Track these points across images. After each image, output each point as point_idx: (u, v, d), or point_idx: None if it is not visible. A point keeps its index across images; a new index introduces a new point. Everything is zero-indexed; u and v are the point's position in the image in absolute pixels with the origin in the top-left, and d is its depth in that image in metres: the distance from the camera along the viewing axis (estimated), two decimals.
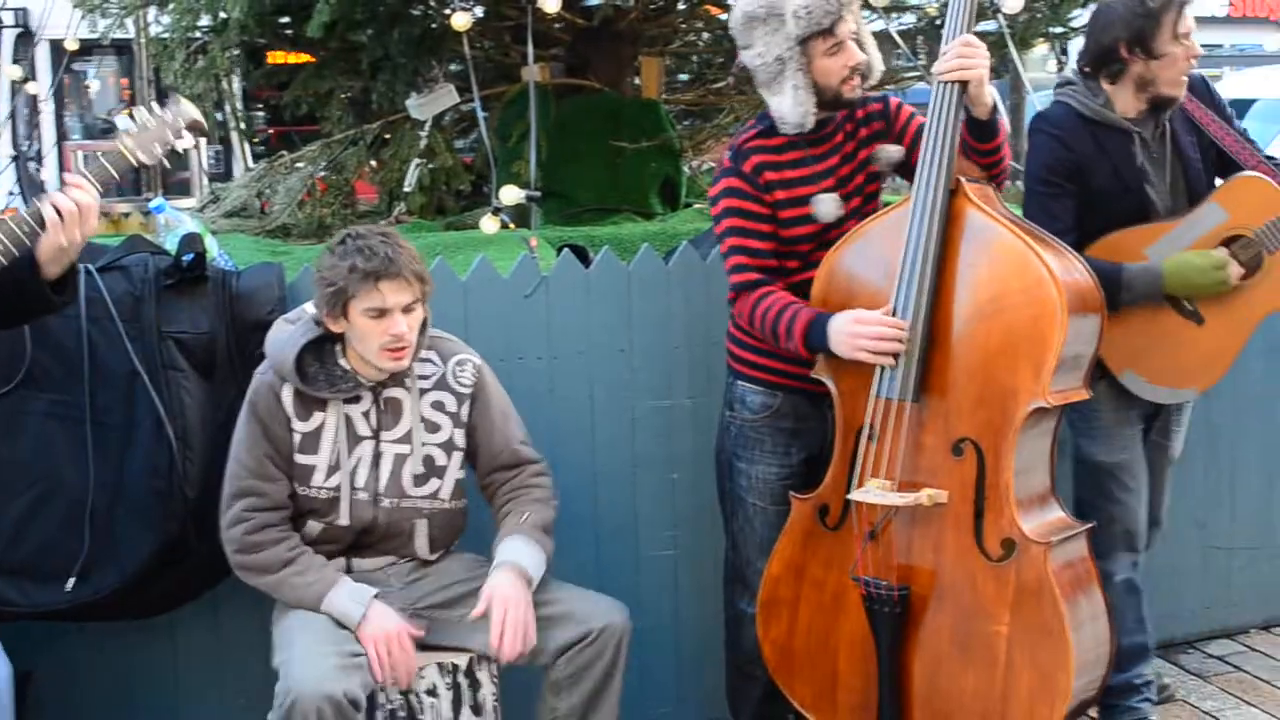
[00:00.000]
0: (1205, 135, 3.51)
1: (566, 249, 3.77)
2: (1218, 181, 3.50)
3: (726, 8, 6.13)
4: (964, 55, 3.01)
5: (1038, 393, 2.89)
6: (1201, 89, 3.54)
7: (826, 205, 3.18)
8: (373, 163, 5.50)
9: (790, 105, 3.13)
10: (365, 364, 2.98)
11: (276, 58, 5.99)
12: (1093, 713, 3.68)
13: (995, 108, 3.09)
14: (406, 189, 4.87)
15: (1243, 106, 11.80)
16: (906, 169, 3.20)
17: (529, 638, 2.91)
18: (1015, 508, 2.92)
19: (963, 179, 3.02)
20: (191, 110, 2.72)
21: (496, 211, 3.82)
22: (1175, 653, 4.26)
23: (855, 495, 3.03)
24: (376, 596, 2.95)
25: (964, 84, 3.02)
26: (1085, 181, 3.35)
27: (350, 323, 2.92)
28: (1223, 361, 3.46)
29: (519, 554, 2.99)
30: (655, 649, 3.76)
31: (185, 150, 2.92)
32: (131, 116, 2.71)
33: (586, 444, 3.66)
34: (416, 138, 5.01)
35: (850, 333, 3.01)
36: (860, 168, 3.25)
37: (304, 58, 5.55)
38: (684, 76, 6.51)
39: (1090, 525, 3.11)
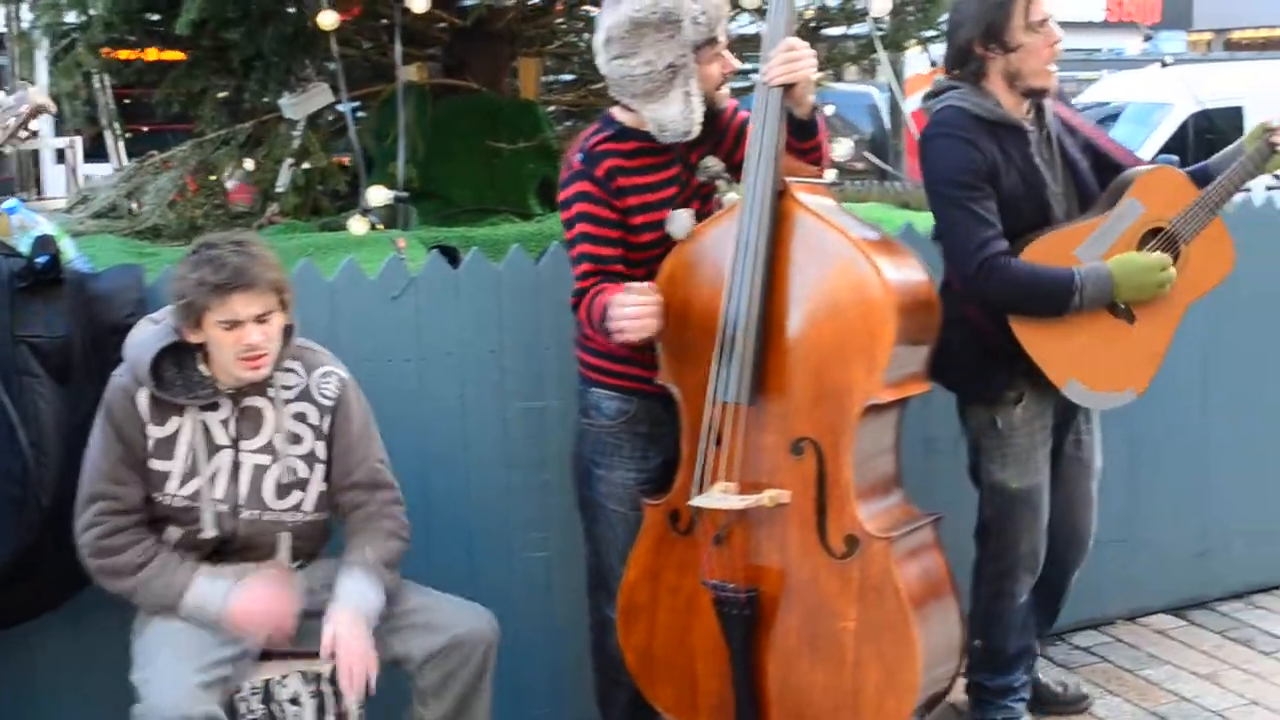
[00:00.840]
0: (1080, 136, 3.56)
1: (435, 250, 3.74)
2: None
3: None
4: (789, 60, 3.03)
5: (871, 389, 2.93)
6: (1062, 98, 3.59)
7: (682, 221, 3.17)
8: (249, 163, 5.42)
9: (679, 113, 3.09)
10: (225, 372, 2.94)
11: (150, 55, 5.89)
12: (966, 708, 3.76)
13: (815, 107, 3.12)
14: (279, 189, 4.80)
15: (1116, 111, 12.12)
16: (736, 168, 3.19)
17: (371, 671, 2.89)
18: (857, 504, 2.97)
19: (789, 180, 3.05)
20: (37, 96, 2.66)
21: (366, 213, 3.78)
22: (1044, 644, 4.33)
23: (696, 501, 3.05)
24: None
25: (789, 86, 3.04)
26: (997, 184, 3.31)
27: (205, 333, 2.88)
28: (1155, 359, 3.45)
29: (359, 593, 2.95)
30: (529, 652, 3.74)
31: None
32: None
33: (457, 446, 3.64)
34: (290, 138, 4.95)
35: (610, 317, 3.00)
36: (696, 170, 3.26)
37: (176, 55, 5.45)
38: (567, 77, 6.51)
39: (936, 516, 3.16)
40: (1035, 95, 3.39)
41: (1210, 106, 11.54)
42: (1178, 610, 4.60)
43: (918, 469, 4.09)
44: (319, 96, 4.84)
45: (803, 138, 3.14)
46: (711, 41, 3.09)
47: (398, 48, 4.04)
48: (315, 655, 2.99)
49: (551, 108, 5.81)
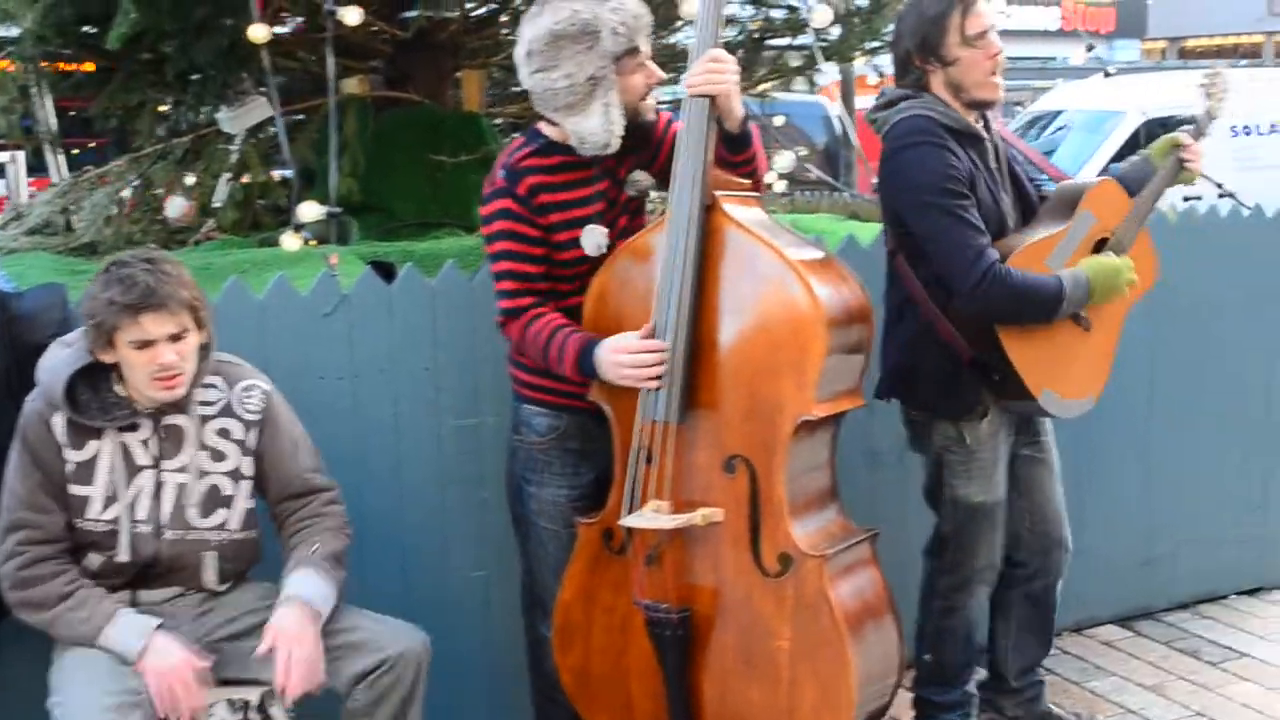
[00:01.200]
0: (1008, 146, 3.56)
1: (368, 266, 3.69)
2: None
3: None
4: (712, 70, 2.99)
5: (803, 406, 2.90)
6: None
7: (593, 237, 3.12)
8: (190, 178, 5.36)
9: (599, 125, 3.04)
10: (140, 392, 2.87)
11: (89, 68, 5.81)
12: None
13: (746, 119, 3.08)
14: (216, 204, 4.73)
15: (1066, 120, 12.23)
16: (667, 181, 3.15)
17: (315, 675, 2.83)
18: (790, 521, 2.93)
19: (719, 193, 3.01)
20: None
21: (299, 228, 3.71)
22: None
23: (626, 521, 3.01)
24: (161, 628, 2.84)
25: (713, 98, 3.00)
26: (975, 192, 3.26)
27: (118, 354, 2.82)
28: (1108, 365, 3.47)
29: (306, 587, 2.90)
30: (467, 671, 3.70)
31: None
32: None
33: (392, 464, 3.59)
34: (228, 152, 4.88)
35: (612, 361, 2.99)
36: (626, 184, 3.22)
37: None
38: (517, 89, 6.46)
39: (873, 531, 3.13)
40: (981, 107, 3.36)
41: (1163, 115, 11.60)
42: (1124, 621, 4.60)
43: (861, 482, 4.08)
44: (257, 110, 4.77)
45: (734, 150, 3.10)
46: (632, 52, 3.05)
47: (330, 61, 3.98)
48: (244, 683, 2.93)
49: (497, 120, 5.77)
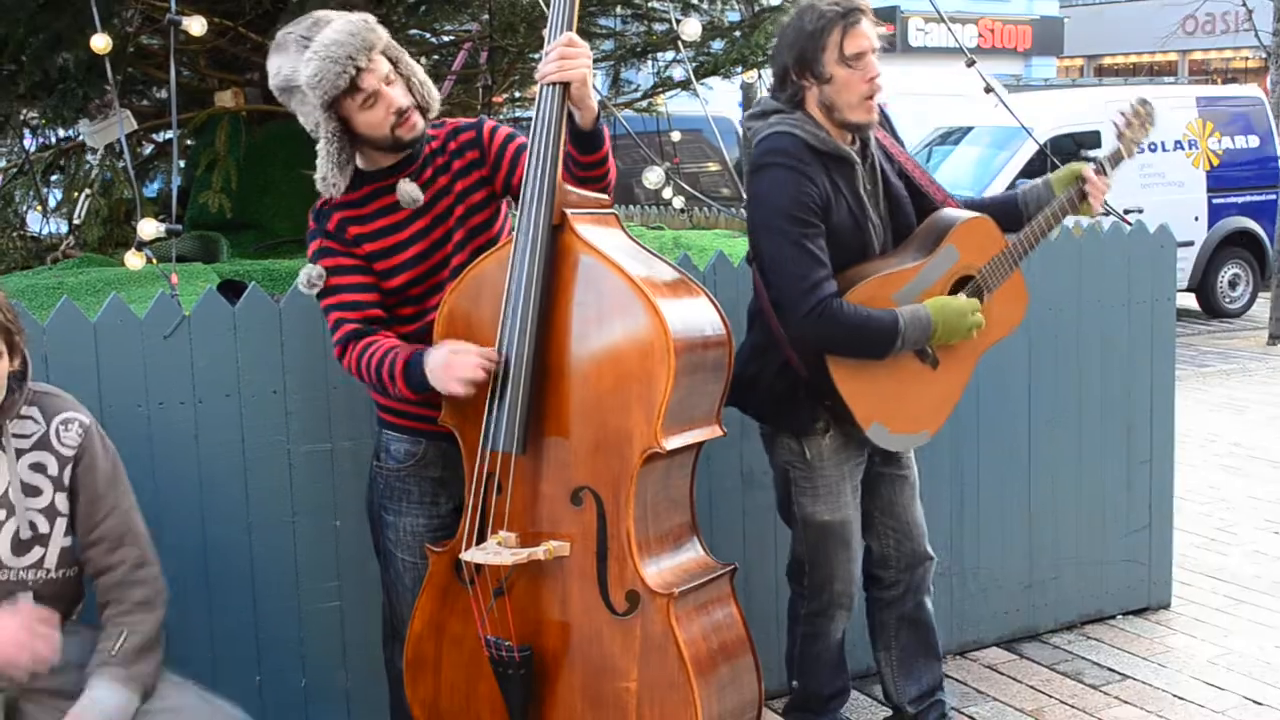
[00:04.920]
0: (897, 164, 3.47)
1: (210, 286, 3.54)
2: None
3: (436, 31, 6.00)
4: (565, 56, 2.88)
5: (651, 438, 2.77)
6: (881, 116, 3.46)
7: (405, 190, 3.03)
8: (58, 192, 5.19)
9: (323, 173, 3.01)
10: None
11: None
12: None
13: (599, 117, 2.97)
14: (76, 221, 4.55)
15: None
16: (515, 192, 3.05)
17: None
18: (639, 557, 2.81)
19: (570, 211, 2.90)
20: None
21: (141, 246, 3.56)
22: (870, 684, 4.24)
23: (466, 555, 2.89)
24: None
25: (566, 87, 2.88)
26: (828, 217, 3.20)
27: None
28: (951, 402, 3.41)
29: (105, 699, 2.70)
30: (325, 707, 3.56)
31: None
32: None
33: (239, 494, 3.44)
34: (91, 166, 4.71)
35: (444, 364, 2.87)
36: (460, 199, 3.11)
37: None
38: None
39: (730, 567, 3.02)
40: (853, 130, 3.28)
41: (1069, 131, 11.71)
42: (1009, 643, 4.53)
43: (733, 505, 4.01)
44: (120, 124, 4.60)
45: (585, 149, 2.98)
46: (351, 92, 2.94)
47: (171, 72, 3.83)
48: None
49: None
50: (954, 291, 3.33)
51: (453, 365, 2.86)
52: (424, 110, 3.05)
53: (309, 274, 3.07)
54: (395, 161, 3.08)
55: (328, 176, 3.02)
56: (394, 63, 3.02)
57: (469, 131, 3.14)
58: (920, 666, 3.69)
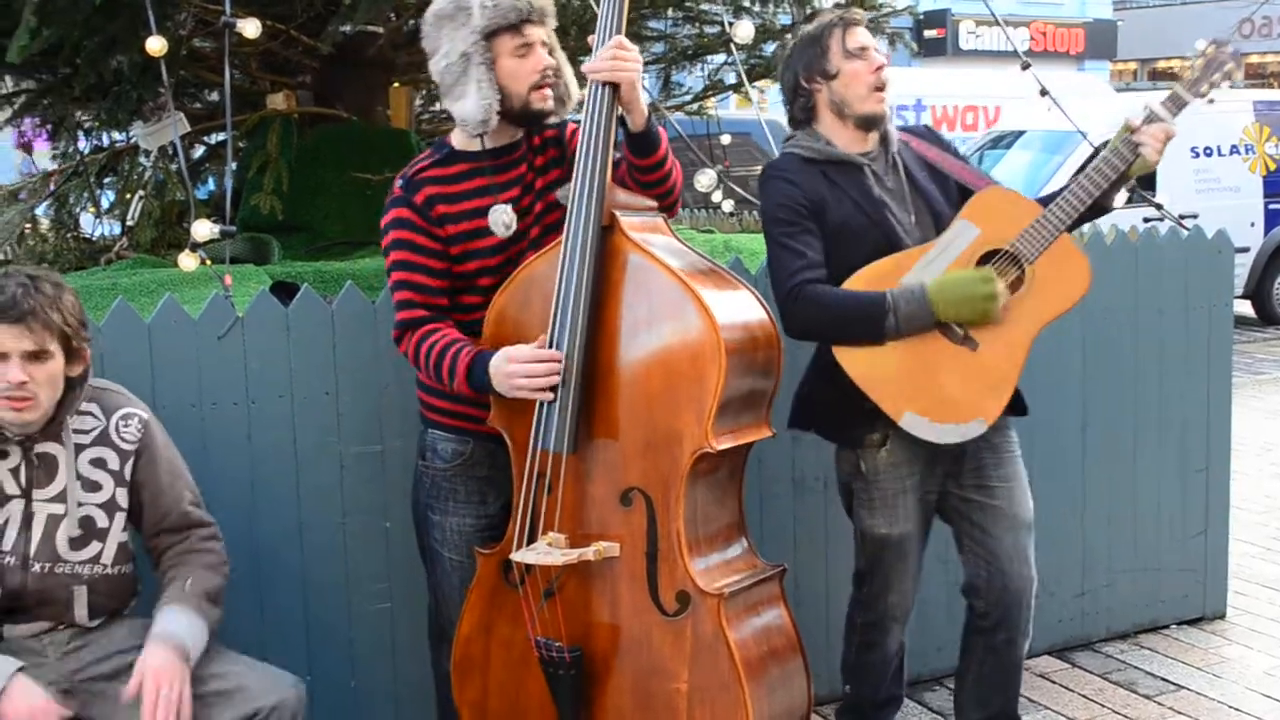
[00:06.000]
0: (938, 170, 3.42)
1: (263, 288, 3.55)
2: None
3: None
4: (616, 57, 2.91)
5: (702, 438, 2.76)
6: (927, 135, 3.51)
7: (499, 217, 3.00)
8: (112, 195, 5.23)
9: (474, 103, 2.96)
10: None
11: None
12: None
13: (651, 118, 2.97)
14: (129, 223, 4.59)
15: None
16: None
17: (184, 718, 2.68)
18: (690, 558, 2.80)
19: (618, 212, 2.89)
20: None
21: (195, 248, 3.58)
22: (922, 691, 4.20)
23: (516, 556, 2.88)
24: (23, 669, 2.69)
25: (616, 89, 2.90)
26: (823, 218, 3.22)
27: None
28: (1006, 386, 3.18)
29: (176, 626, 2.75)
30: (373, 709, 3.57)
31: None
32: None
33: (290, 494, 3.45)
34: (144, 168, 4.75)
35: (505, 371, 2.87)
36: (539, 196, 3.11)
37: None
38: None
39: (780, 568, 2.99)
40: (868, 124, 3.29)
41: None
42: (1061, 652, 4.48)
43: (784, 510, 3.98)
44: (174, 127, 4.63)
45: (641, 152, 2.99)
46: (511, 30, 2.97)
47: (226, 76, 3.85)
48: None
49: (429, 136, 5.65)
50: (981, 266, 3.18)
51: (513, 373, 2.85)
52: (561, 100, 3.08)
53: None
54: (495, 146, 3.07)
55: (471, 112, 2.96)
56: (551, 49, 3.07)
57: (552, 129, 3.16)
58: (990, 698, 3.52)
